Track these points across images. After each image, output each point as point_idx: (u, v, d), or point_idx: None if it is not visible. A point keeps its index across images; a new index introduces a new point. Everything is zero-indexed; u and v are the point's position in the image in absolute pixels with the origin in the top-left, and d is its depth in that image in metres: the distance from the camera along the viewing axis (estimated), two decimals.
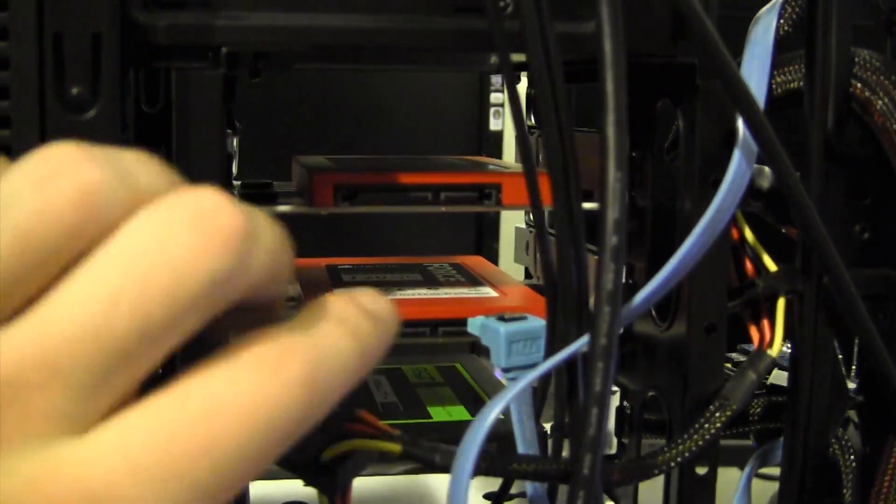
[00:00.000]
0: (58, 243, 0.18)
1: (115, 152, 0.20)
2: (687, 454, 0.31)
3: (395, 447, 0.26)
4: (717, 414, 0.31)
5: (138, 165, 0.20)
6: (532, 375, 0.27)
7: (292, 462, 0.26)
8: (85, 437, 0.18)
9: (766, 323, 0.33)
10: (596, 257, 0.25)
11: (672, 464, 0.31)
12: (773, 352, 0.33)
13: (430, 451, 0.26)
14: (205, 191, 0.19)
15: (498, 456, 0.26)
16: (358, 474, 0.26)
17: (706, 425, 0.31)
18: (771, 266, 0.33)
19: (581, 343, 0.27)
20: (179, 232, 0.18)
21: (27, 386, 0.18)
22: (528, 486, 0.30)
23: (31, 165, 0.18)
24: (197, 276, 0.18)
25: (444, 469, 0.26)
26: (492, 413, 0.25)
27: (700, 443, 0.31)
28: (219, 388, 0.19)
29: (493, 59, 0.40)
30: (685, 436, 0.31)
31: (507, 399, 0.26)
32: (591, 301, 0.26)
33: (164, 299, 0.18)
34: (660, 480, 0.35)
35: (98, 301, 0.18)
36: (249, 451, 0.19)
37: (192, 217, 0.19)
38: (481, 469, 0.26)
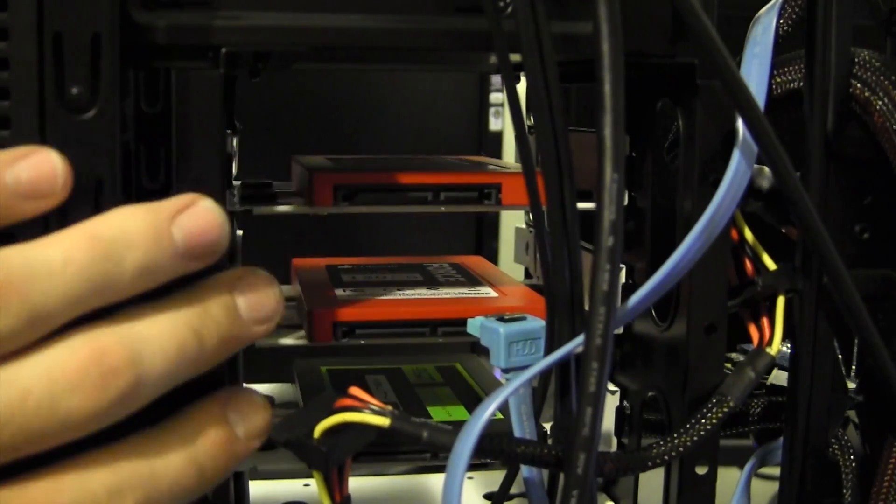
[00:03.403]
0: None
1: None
2: (682, 448, 0.31)
3: (384, 421, 0.26)
4: (714, 410, 0.32)
5: None
6: (527, 375, 0.27)
7: (286, 439, 0.26)
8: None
9: (765, 321, 0.33)
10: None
11: (667, 457, 0.31)
12: (773, 350, 0.33)
13: (418, 427, 0.26)
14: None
15: (494, 438, 0.26)
16: (352, 452, 0.26)
17: (703, 420, 0.31)
18: (770, 265, 0.33)
19: (577, 343, 0.27)
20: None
21: None
22: (525, 471, 0.29)
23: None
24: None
25: (432, 446, 0.26)
26: (485, 414, 0.25)
27: (696, 438, 0.31)
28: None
29: (493, 59, 0.40)
30: (681, 430, 0.31)
31: (502, 399, 0.26)
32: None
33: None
34: (660, 481, 0.35)
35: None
36: None
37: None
38: (478, 451, 0.25)
